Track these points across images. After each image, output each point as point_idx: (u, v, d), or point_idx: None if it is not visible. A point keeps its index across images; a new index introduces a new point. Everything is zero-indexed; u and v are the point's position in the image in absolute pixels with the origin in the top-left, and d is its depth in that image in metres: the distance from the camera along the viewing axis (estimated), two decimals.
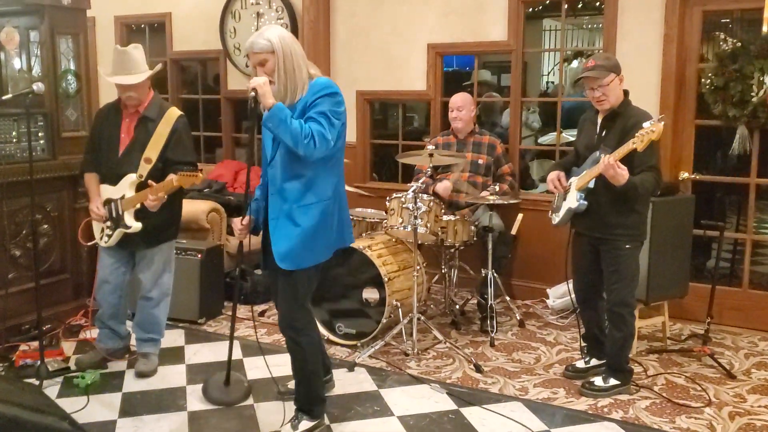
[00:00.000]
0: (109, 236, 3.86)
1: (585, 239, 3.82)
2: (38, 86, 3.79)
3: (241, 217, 3.25)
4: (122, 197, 3.78)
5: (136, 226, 3.77)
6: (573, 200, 3.70)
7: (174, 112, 3.86)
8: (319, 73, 3.17)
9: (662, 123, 3.34)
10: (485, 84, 6.47)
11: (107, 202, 3.85)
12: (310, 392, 3.33)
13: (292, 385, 3.56)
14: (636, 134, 3.37)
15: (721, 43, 4.49)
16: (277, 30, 3.09)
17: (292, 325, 3.21)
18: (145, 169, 3.75)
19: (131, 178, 3.75)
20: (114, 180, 3.82)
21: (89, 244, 4.10)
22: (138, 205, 3.76)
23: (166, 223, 3.91)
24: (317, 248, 3.12)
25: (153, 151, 3.76)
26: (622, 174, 3.39)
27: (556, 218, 3.88)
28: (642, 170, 3.49)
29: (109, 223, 3.85)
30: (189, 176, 3.58)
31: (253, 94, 2.97)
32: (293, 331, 3.22)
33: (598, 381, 3.79)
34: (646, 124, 3.34)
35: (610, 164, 3.39)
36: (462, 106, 5.01)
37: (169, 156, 3.77)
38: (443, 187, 4.87)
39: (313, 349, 3.30)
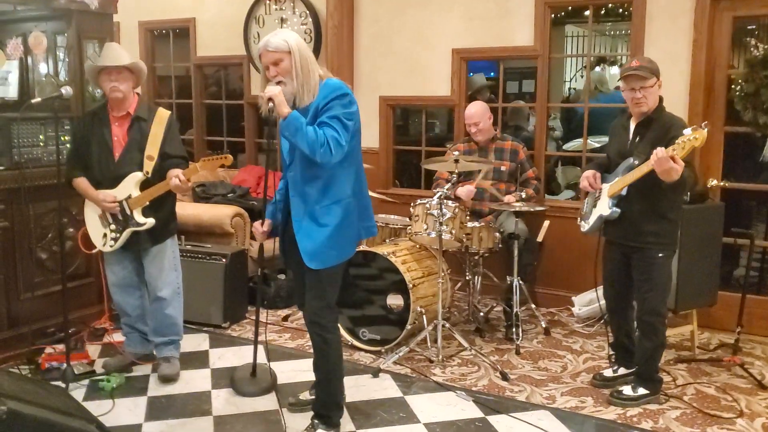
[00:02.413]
0: (115, 239, 3.86)
1: (616, 247, 3.76)
2: (66, 90, 3.82)
3: (261, 221, 3.33)
4: (128, 197, 3.79)
5: (149, 221, 3.81)
6: (605, 207, 3.65)
7: (164, 112, 3.93)
8: (328, 74, 3.19)
9: (706, 129, 3.21)
10: (486, 89, 6.52)
11: None
12: (329, 395, 3.33)
13: (303, 396, 3.62)
14: (676, 141, 3.26)
15: (752, 48, 4.43)
16: (291, 33, 3.12)
17: (320, 322, 3.24)
18: (149, 165, 3.80)
19: (137, 177, 3.78)
20: (112, 183, 3.82)
21: (93, 252, 4.09)
22: (147, 203, 3.79)
23: (169, 218, 3.98)
24: (342, 245, 3.18)
25: (153, 148, 3.81)
26: (677, 169, 3.22)
27: (586, 225, 3.82)
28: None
29: (113, 227, 3.86)
30: (215, 160, 3.64)
31: (271, 105, 2.97)
32: (320, 328, 3.24)
33: (626, 390, 3.73)
34: (686, 131, 3.24)
35: (665, 158, 3.19)
36: (479, 120, 4.95)
37: (166, 151, 3.83)
38: (466, 191, 4.82)
39: (339, 349, 3.33)
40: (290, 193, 3.20)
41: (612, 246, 3.80)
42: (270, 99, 2.96)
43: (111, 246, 3.89)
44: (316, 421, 3.32)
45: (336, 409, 3.35)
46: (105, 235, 3.90)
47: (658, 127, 3.53)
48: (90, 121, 3.95)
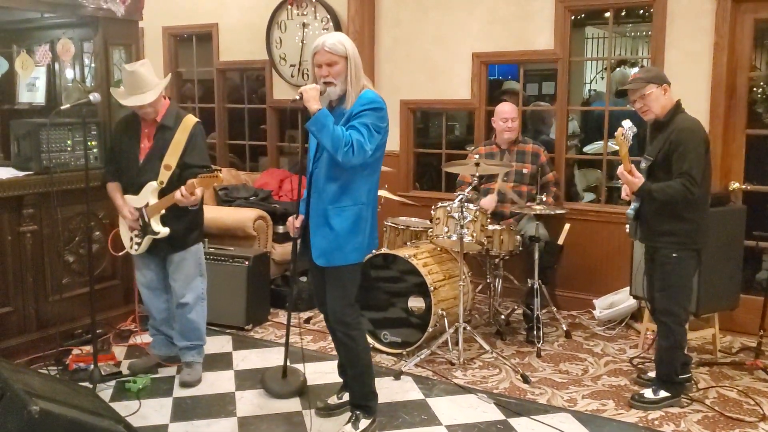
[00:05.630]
0: (139, 244, 3.93)
1: (646, 246, 3.83)
2: (95, 96, 3.89)
3: (295, 216, 3.41)
4: (146, 205, 3.85)
5: (163, 231, 3.85)
6: (631, 207, 3.75)
7: (190, 120, 3.92)
8: (369, 84, 3.31)
9: (618, 130, 3.51)
10: (516, 93, 6.47)
11: None
12: (364, 386, 3.44)
13: (331, 400, 3.67)
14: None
15: None
16: (347, 38, 3.25)
17: (343, 320, 3.34)
18: (165, 175, 3.82)
19: (153, 186, 3.82)
20: (135, 189, 3.88)
21: (120, 253, 4.16)
22: (163, 211, 3.83)
23: (191, 227, 3.97)
24: (347, 250, 3.26)
25: (172, 157, 3.84)
26: (632, 181, 3.58)
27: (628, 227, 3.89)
28: (677, 175, 3.51)
29: (137, 232, 3.92)
30: (209, 178, 3.64)
31: (297, 97, 3.12)
32: (345, 326, 3.35)
33: (648, 393, 3.74)
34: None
35: (621, 173, 3.58)
36: (515, 116, 5.02)
37: (186, 161, 3.84)
38: (488, 201, 4.85)
39: (365, 343, 3.47)
40: (311, 189, 3.31)
41: (644, 246, 3.86)
42: (300, 93, 3.11)
43: (135, 250, 3.97)
44: (357, 412, 3.43)
45: (373, 397, 3.47)
46: (131, 238, 3.98)
47: (667, 132, 3.62)
48: (124, 126, 4.03)
